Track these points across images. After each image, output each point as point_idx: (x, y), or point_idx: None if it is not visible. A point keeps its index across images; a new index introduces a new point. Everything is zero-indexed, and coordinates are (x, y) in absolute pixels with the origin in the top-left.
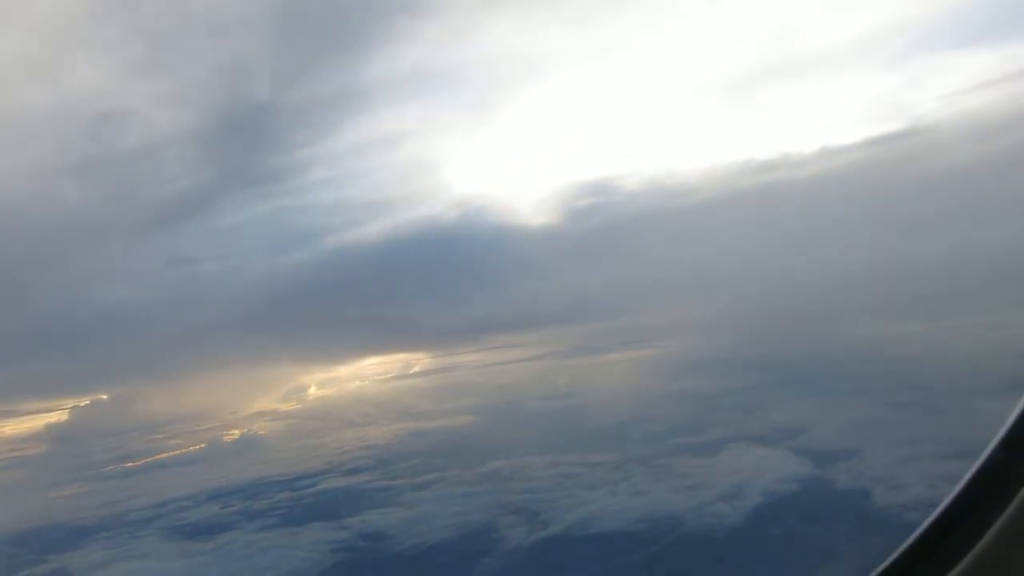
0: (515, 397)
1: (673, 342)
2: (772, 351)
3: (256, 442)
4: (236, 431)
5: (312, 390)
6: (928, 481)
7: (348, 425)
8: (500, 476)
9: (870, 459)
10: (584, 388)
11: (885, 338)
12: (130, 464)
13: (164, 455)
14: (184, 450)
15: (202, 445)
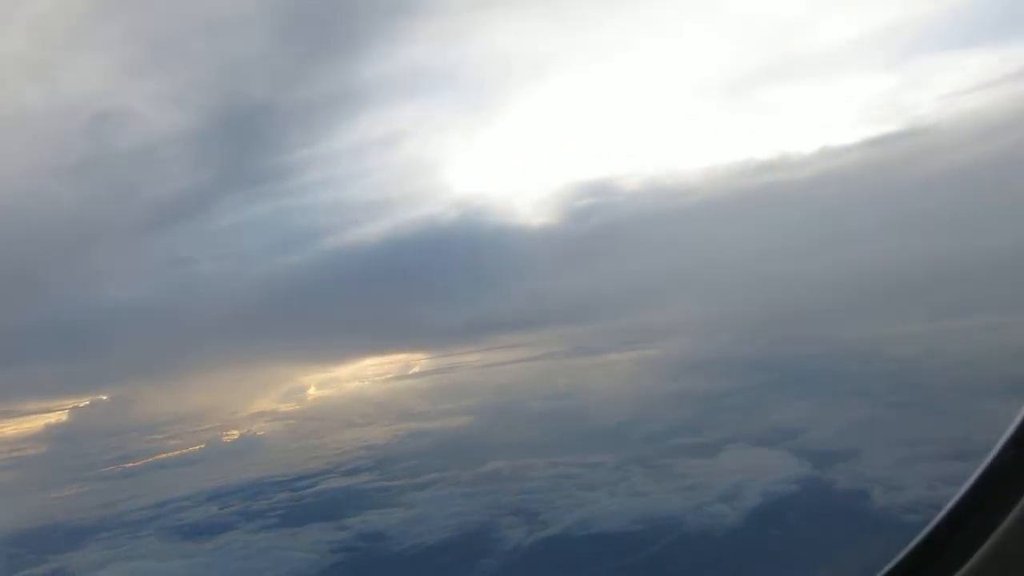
0: (515, 397)
1: (673, 342)
2: (772, 351)
3: (255, 442)
4: (235, 431)
5: (311, 390)
6: (927, 482)
7: (347, 425)
8: (499, 476)
9: (869, 460)
10: (583, 388)
11: (884, 338)
12: (130, 464)
13: (164, 455)
14: (184, 450)
15: (201, 445)
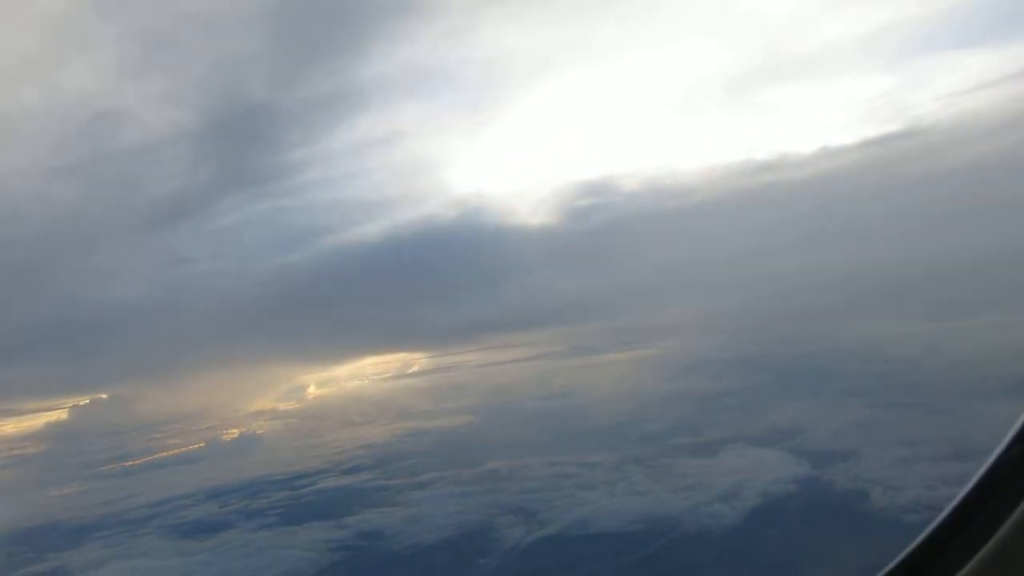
0: (513, 397)
1: (672, 342)
2: (771, 351)
3: (255, 441)
4: (235, 430)
5: (311, 389)
6: (926, 482)
7: (347, 424)
8: (498, 476)
9: (868, 460)
10: (582, 388)
11: (884, 338)
12: (129, 463)
13: (163, 454)
14: (183, 449)
15: (201, 444)
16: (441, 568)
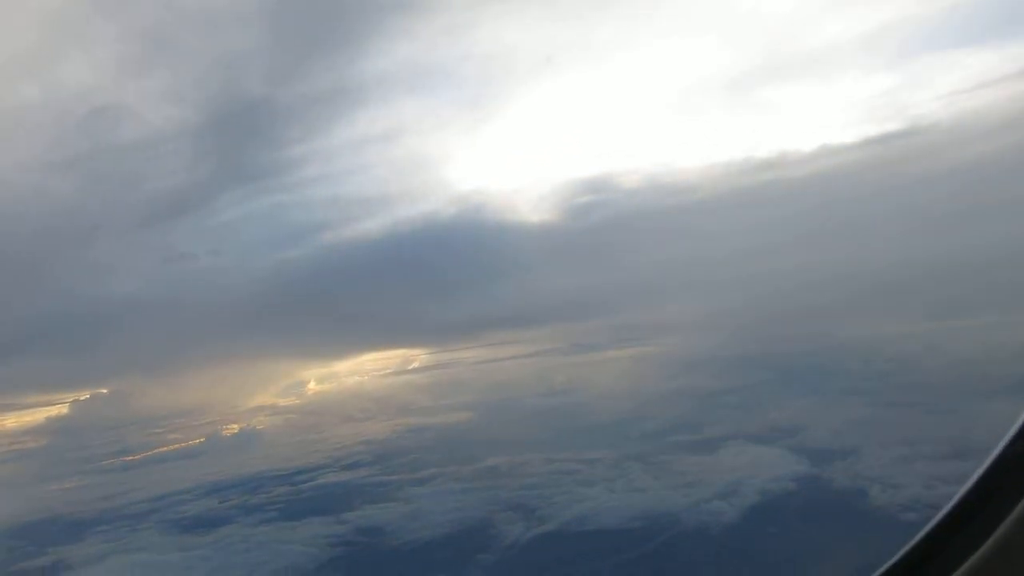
0: (513, 394)
1: (672, 340)
2: (770, 349)
3: (255, 437)
4: (235, 426)
5: (311, 385)
6: (925, 481)
7: (346, 420)
8: (498, 472)
9: (867, 458)
10: (582, 385)
11: (884, 337)
12: (129, 458)
13: (163, 449)
14: (183, 444)
15: (201, 439)
16: (440, 564)
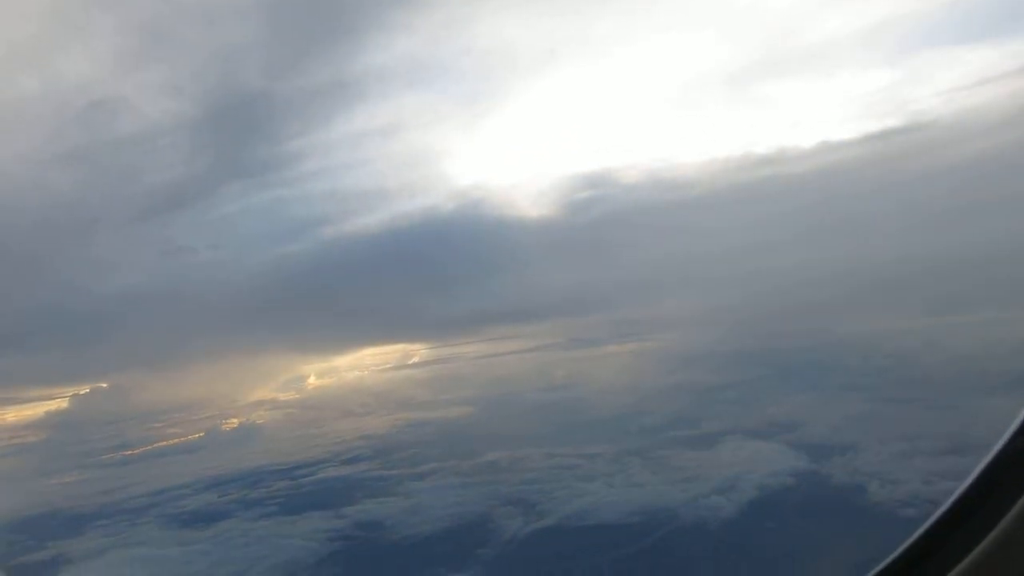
0: (513, 389)
1: (671, 335)
2: (769, 345)
3: (255, 431)
4: (235, 420)
5: (311, 380)
6: (924, 476)
7: (346, 415)
8: (497, 467)
9: (866, 454)
10: (581, 380)
11: (882, 333)
12: (129, 452)
13: (163, 443)
14: (183, 439)
15: (201, 434)
16: (440, 558)
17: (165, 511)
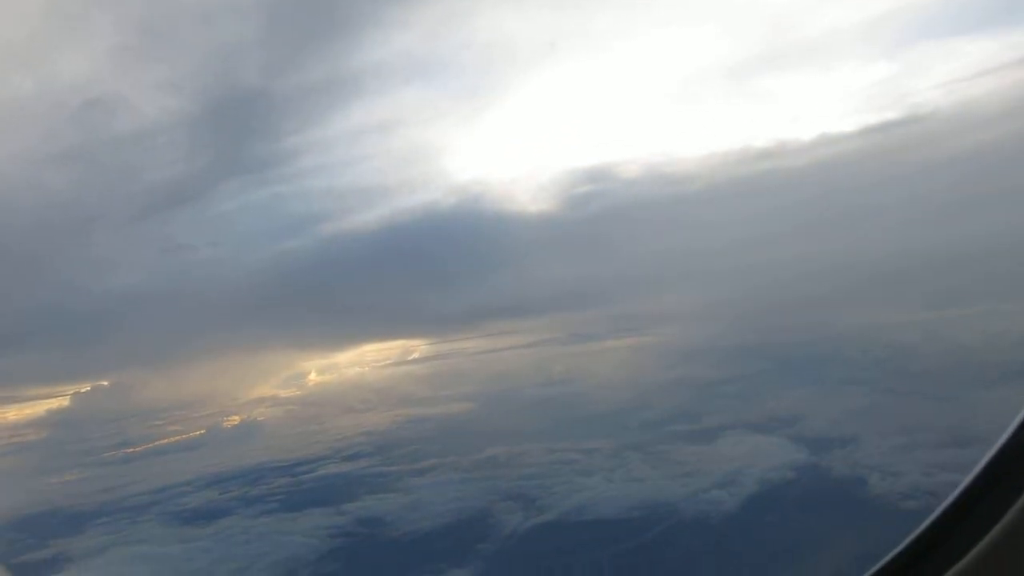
0: (513, 384)
1: (670, 330)
2: (769, 339)
3: (255, 428)
4: (236, 417)
5: (311, 376)
6: (924, 469)
7: (347, 411)
8: (497, 462)
9: (867, 447)
10: (581, 375)
11: (882, 326)
12: (130, 450)
13: (164, 441)
14: (184, 436)
15: (202, 431)
16: (440, 554)
17: (166, 509)
